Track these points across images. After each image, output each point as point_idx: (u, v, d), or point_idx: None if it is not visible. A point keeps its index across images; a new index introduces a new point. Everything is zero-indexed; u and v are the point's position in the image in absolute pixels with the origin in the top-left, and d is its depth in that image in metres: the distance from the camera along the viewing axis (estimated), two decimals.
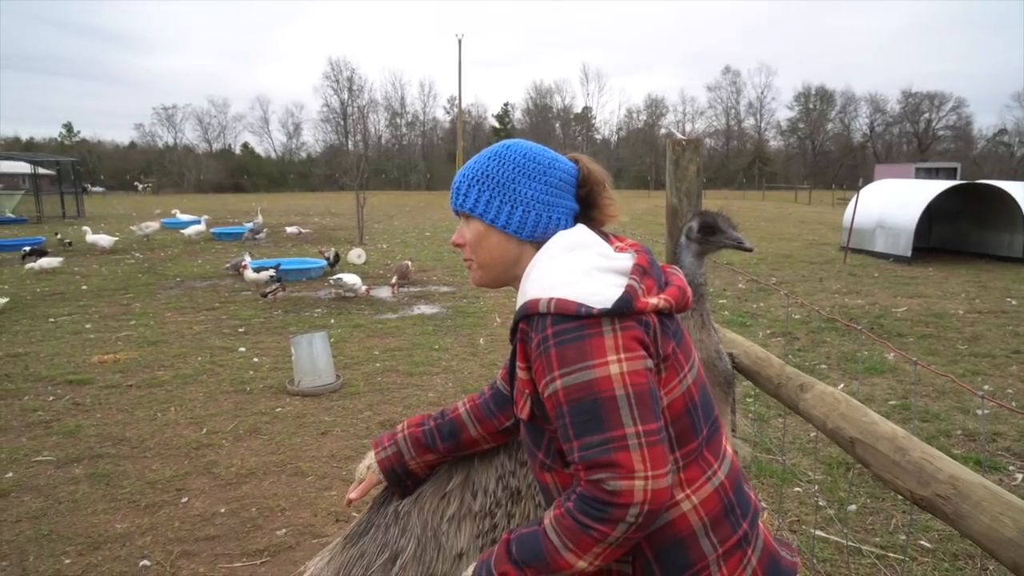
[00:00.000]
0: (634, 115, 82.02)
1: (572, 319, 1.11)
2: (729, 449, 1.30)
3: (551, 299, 1.13)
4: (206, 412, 5.58)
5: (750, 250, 1.96)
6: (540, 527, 1.15)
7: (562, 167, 1.38)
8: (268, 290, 10.15)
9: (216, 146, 77.40)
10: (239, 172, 68.82)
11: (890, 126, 77.81)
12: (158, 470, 4.50)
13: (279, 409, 5.66)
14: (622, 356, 1.09)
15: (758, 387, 2.21)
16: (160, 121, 77.36)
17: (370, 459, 1.67)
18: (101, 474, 4.43)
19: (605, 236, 1.34)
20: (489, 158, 1.38)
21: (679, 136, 2.44)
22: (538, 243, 1.34)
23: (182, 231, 19.44)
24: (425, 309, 9.82)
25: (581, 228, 1.32)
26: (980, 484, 1.21)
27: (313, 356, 6.08)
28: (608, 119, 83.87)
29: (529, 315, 1.17)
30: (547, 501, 1.32)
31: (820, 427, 1.72)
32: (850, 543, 3.56)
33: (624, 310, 1.11)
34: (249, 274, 10.98)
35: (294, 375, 6.14)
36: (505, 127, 79.34)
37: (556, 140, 78.41)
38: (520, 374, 1.23)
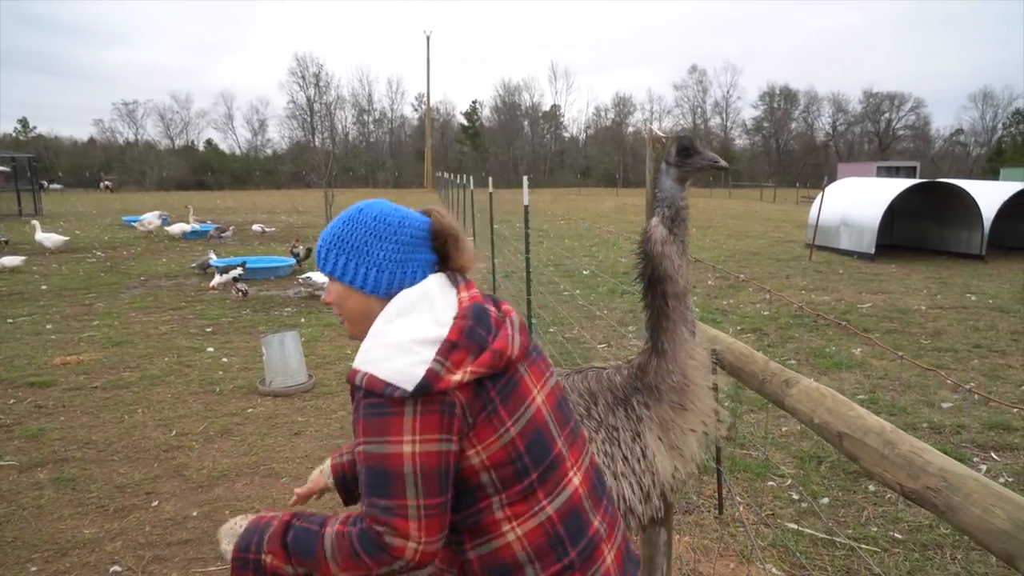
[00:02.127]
0: (602, 113, 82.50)
1: (378, 396, 1.22)
2: (574, 482, 1.37)
3: (365, 374, 1.24)
4: (175, 414, 5.46)
5: (727, 168, 2.00)
6: (321, 531, 1.29)
7: (413, 224, 1.45)
8: (235, 288, 10.05)
9: (179, 142, 75.90)
10: (203, 169, 67.53)
11: (852, 125, 79.46)
12: (126, 473, 4.39)
13: (250, 410, 5.56)
14: (416, 438, 1.21)
15: (742, 383, 2.23)
16: (120, 117, 75.56)
17: (326, 463, 1.81)
18: (67, 478, 4.30)
19: (458, 283, 1.44)
20: (344, 223, 1.46)
21: (660, 133, 2.44)
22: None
23: (167, 229, 18.95)
24: None
25: (430, 281, 1.40)
26: (970, 476, 1.23)
27: (284, 355, 5.99)
28: (576, 117, 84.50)
29: (352, 384, 1.27)
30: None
31: (807, 422, 1.74)
32: (823, 535, 3.62)
33: (424, 393, 1.21)
34: (217, 279, 10.75)
35: (265, 375, 6.04)
36: (474, 124, 79.05)
37: (524, 138, 78.49)
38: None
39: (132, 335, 7.99)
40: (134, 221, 22.07)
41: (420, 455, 1.21)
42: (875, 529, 3.73)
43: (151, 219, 19.58)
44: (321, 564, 1.26)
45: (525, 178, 6.94)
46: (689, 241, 2.05)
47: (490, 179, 10.71)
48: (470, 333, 1.29)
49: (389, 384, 1.21)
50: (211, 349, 7.37)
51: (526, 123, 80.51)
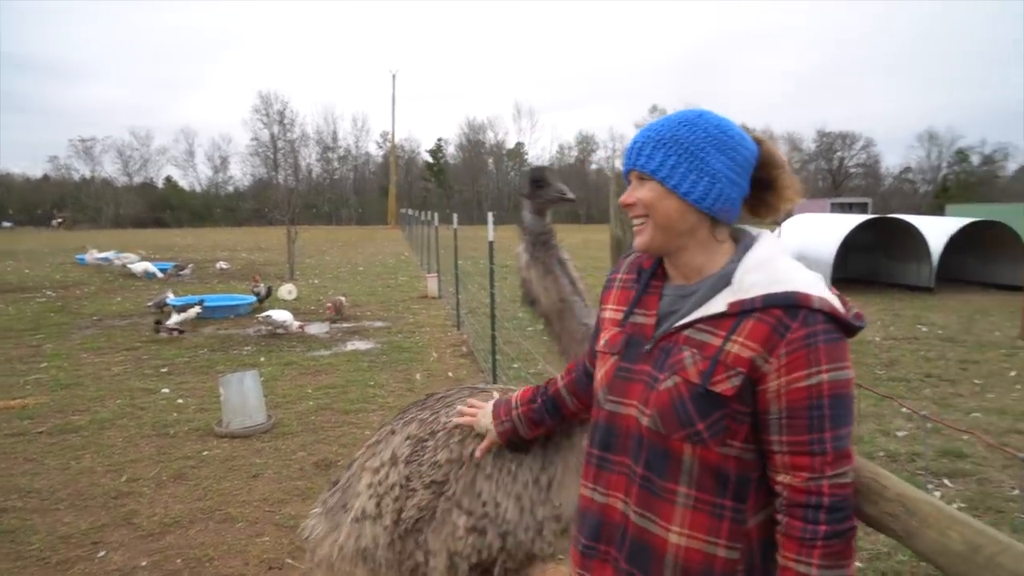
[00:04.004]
0: (566, 151, 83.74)
1: (837, 323, 1.22)
2: None
3: (823, 298, 1.22)
4: (126, 458, 5.26)
5: (572, 200, 2.05)
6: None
7: (749, 146, 1.36)
8: (167, 325, 9.84)
9: (137, 179, 74.53)
10: (161, 206, 66.39)
11: (806, 163, 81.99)
12: (71, 523, 4.19)
13: (206, 452, 5.39)
14: (850, 364, 1.24)
15: None
16: (77, 153, 73.91)
17: (489, 422, 1.89)
18: (5, 530, 4.09)
19: None
20: (680, 123, 1.34)
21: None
22: (713, 218, 1.34)
23: (129, 266, 18.38)
24: (359, 345, 9.61)
25: (775, 237, 1.38)
26: (926, 500, 1.24)
27: (243, 395, 5.84)
28: (540, 154, 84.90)
29: (798, 306, 1.21)
30: (664, 473, 1.32)
31: None
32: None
33: (857, 330, 1.27)
34: (175, 318, 10.48)
35: (222, 416, 5.87)
36: (438, 161, 79.49)
37: (489, 175, 79.16)
38: (737, 351, 1.24)
39: (82, 377, 7.71)
40: (83, 260, 21.54)
41: (853, 381, 1.24)
42: None
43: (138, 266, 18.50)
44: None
45: (490, 215, 6.98)
46: (566, 265, 2.12)
47: (455, 216, 10.75)
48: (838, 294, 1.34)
49: (840, 311, 1.23)
50: (166, 390, 7.15)
51: (491, 160, 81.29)
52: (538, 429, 1.86)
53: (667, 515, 1.30)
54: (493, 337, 6.71)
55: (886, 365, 8.29)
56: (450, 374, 7.90)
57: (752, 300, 1.24)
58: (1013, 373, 7.95)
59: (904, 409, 6.46)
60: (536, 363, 7.74)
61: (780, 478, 1.24)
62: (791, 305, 1.21)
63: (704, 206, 1.31)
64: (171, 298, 12.25)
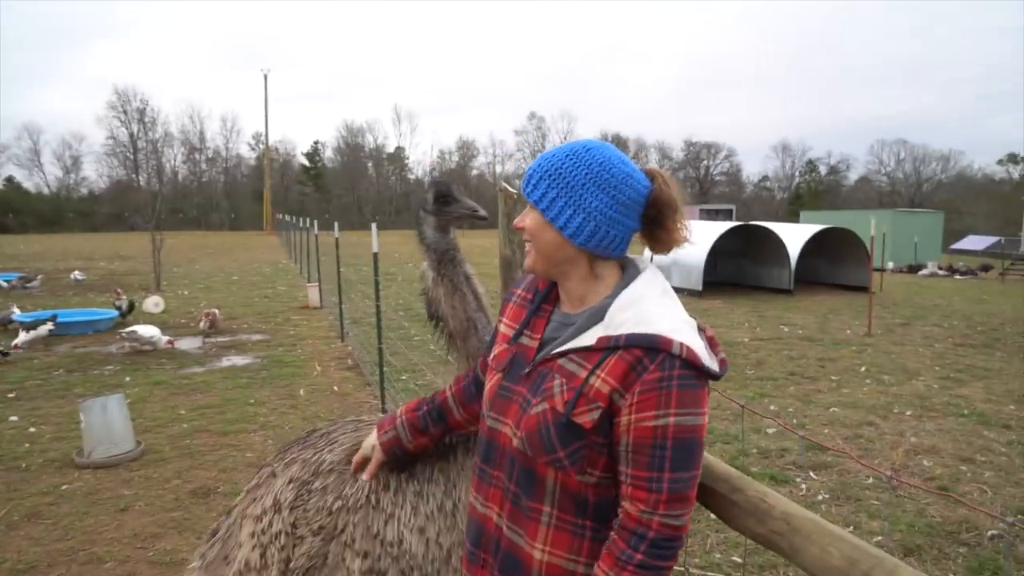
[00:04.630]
0: (447, 156, 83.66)
1: (694, 369, 1.25)
2: None
3: (682, 344, 1.25)
4: None
5: (484, 218, 2.02)
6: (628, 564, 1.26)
7: (635, 184, 1.37)
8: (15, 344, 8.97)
9: None
10: (3, 210, 60.26)
11: (676, 171, 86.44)
12: None
13: (65, 486, 4.93)
14: (706, 411, 1.28)
15: None
16: None
17: (373, 439, 1.83)
18: None
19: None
20: (566, 155, 1.38)
21: (511, 190, 2.50)
22: (591, 255, 1.39)
23: None
24: (236, 360, 9.14)
25: (657, 272, 1.42)
26: (808, 518, 1.34)
27: (107, 421, 5.39)
28: (421, 159, 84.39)
29: (658, 349, 1.25)
30: (530, 493, 1.38)
31: None
32: (677, 567, 3.79)
33: (718, 377, 1.30)
34: (23, 337, 9.52)
35: (84, 445, 5.40)
36: (316, 165, 77.07)
37: (369, 179, 77.73)
38: (599, 385, 1.29)
39: None
40: None
41: (704, 428, 1.28)
42: (718, 556, 3.97)
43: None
44: None
45: (374, 225, 6.85)
46: (471, 280, 2.07)
47: (336, 224, 10.47)
48: (711, 336, 1.40)
49: (700, 359, 1.25)
50: (14, 418, 6.48)
51: (370, 164, 79.85)
52: (422, 438, 1.80)
53: (532, 532, 1.38)
54: (380, 349, 6.59)
55: (755, 365, 8.89)
56: (335, 388, 7.69)
57: (617, 338, 1.29)
58: (863, 368, 8.76)
59: (772, 407, 6.97)
60: (424, 375, 7.68)
61: (623, 503, 1.30)
62: (651, 347, 1.26)
63: (578, 242, 1.36)
64: (17, 314, 11.14)
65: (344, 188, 75.23)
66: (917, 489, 4.05)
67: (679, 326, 1.29)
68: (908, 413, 6.83)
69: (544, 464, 1.34)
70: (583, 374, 1.31)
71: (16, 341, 9.38)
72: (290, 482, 1.96)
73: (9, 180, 69.40)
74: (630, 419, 1.26)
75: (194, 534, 4.18)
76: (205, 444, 5.82)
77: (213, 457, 5.52)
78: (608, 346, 1.30)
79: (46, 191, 70.09)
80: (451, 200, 1.97)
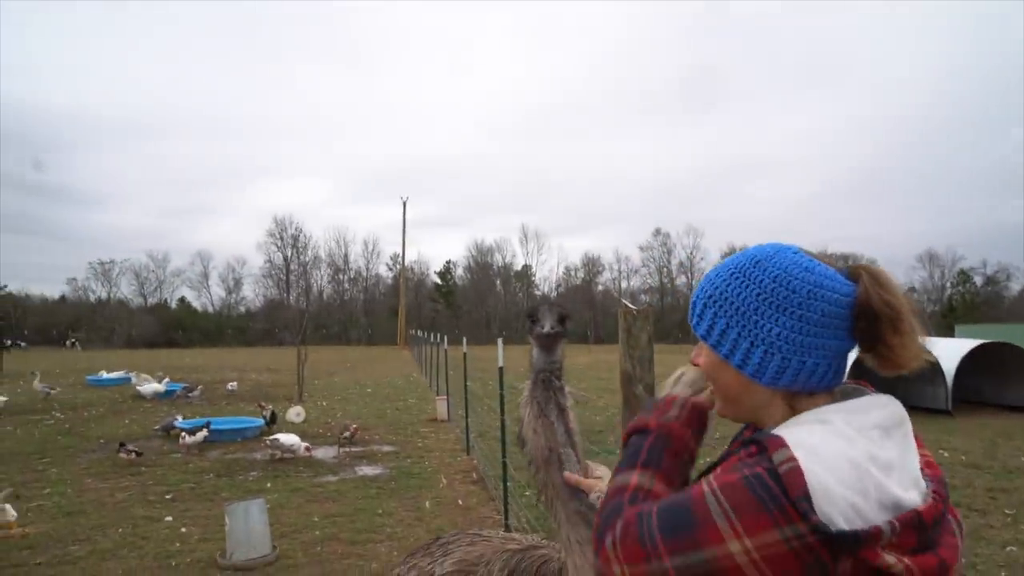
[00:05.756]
0: (572, 272, 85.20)
1: (788, 499, 0.93)
2: None
3: (791, 460, 0.96)
4: None
5: (548, 335, 1.93)
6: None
7: (827, 296, 1.07)
8: (128, 447, 9.79)
9: (152, 300, 76.00)
10: (174, 327, 67.18)
11: None
12: None
13: None
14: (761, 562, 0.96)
15: None
16: (95, 275, 75.80)
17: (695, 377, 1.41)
18: None
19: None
20: (731, 274, 1.14)
21: (631, 306, 2.57)
22: (789, 392, 1.10)
23: (137, 388, 18.44)
24: (367, 470, 9.43)
25: (892, 403, 1.09)
26: None
27: (248, 525, 5.70)
28: (547, 276, 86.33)
29: (756, 442, 1.02)
30: None
31: None
32: None
33: (842, 545, 0.91)
34: (186, 439, 10.50)
35: (227, 547, 5.71)
36: (447, 283, 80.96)
37: (497, 296, 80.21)
38: None
39: (85, 504, 7.56)
40: (97, 381, 21.65)
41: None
42: None
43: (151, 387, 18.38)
44: None
45: (500, 340, 7.07)
46: (565, 413, 1.95)
47: (464, 339, 10.85)
48: (936, 519, 0.98)
49: (809, 497, 0.91)
50: (169, 518, 6.99)
51: (498, 282, 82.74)
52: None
53: None
54: (504, 464, 6.60)
55: None
56: (460, 502, 7.71)
57: None
58: None
59: None
60: None
61: None
62: (755, 443, 1.07)
63: (764, 381, 1.10)
64: (179, 421, 12.20)
65: (473, 304, 77.96)
66: None
67: (823, 453, 0.97)
68: None
69: None
70: None
71: (182, 441, 10.40)
72: None
73: (181, 300, 77.86)
74: None
75: None
76: (334, 552, 5.97)
77: (341, 566, 5.64)
78: None
79: (210, 309, 77.80)
80: (535, 320, 1.97)
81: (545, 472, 1.89)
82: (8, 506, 6.44)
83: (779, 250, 1.14)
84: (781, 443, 0.97)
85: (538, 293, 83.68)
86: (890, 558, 0.90)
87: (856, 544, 0.90)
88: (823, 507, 0.91)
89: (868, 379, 1.24)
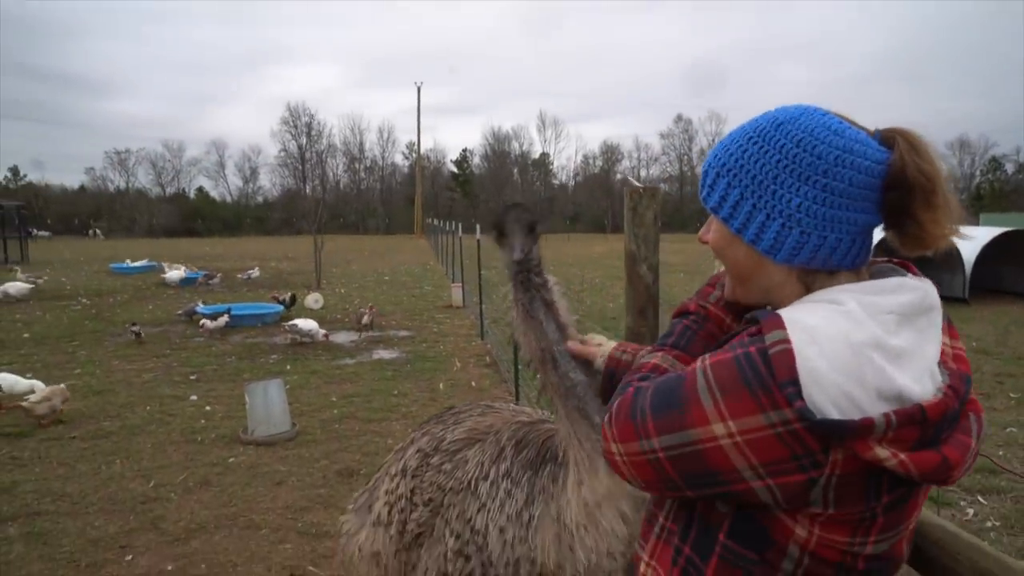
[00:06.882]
0: (590, 161, 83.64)
1: (785, 382, 0.88)
2: None
3: (784, 341, 0.90)
4: (154, 464, 5.36)
5: (518, 263, 1.79)
6: None
7: (856, 163, 0.96)
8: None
9: (170, 190, 76.13)
10: (193, 217, 67.65)
11: None
12: (101, 527, 4.29)
13: (232, 459, 5.47)
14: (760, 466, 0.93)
15: None
16: (112, 165, 75.91)
17: (608, 347, 1.66)
18: (38, 532, 4.19)
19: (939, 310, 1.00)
20: (748, 139, 1.02)
21: (636, 184, 2.48)
22: (807, 271, 1.01)
23: (162, 276, 18.94)
24: (384, 354, 9.69)
25: (923, 288, 0.99)
26: (938, 526, 1.22)
27: (268, 404, 5.92)
28: (565, 165, 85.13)
29: (754, 320, 0.99)
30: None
31: None
32: None
33: (835, 432, 0.85)
34: (207, 325, 10.79)
35: (248, 423, 5.96)
36: (464, 172, 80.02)
37: (514, 185, 79.36)
38: None
39: (114, 384, 7.88)
40: (121, 268, 22.06)
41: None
42: None
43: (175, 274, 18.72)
44: None
45: None
46: (553, 307, 1.85)
47: (478, 226, 10.81)
48: (947, 416, 0.89)
49: (797, 381, 0.86)
50: (194, 397, 7.28)
51: (515, 171, 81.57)
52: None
53: None
54: (515, 348, 6.72)
55: None
56: (473, 384, 7.93)
57: None
58: None
59: None
60: None
61: None
62: (753, 321, 1.03)
63: (780, 259, 1.00)
64: (200, 307, 12.49)
65: (490, 193, 77.36)
66: None
67: (822, 334, 0.90)
68: None
69: None
70: None
71: (201, 324, 10.72)
72: (417, 451, 2.11)
73: (199, 190, 78.02)
74: None
75: (337, 510, 4.47)
76: (351, 429, 6.22)
77: (358, 442, 5.89)
78: None
79: (228, 199, 78.02)
80: (502, 234, 1.79)
81: (543, 372, 1.84)
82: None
83: (804, 111, 1.01)
84: (778, 323, 0.91)
85: (556, 182, 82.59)
86: (883, 452, 0.85)
87: (843, 434, 0.84)
88: (812, 393, 0.85)
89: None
